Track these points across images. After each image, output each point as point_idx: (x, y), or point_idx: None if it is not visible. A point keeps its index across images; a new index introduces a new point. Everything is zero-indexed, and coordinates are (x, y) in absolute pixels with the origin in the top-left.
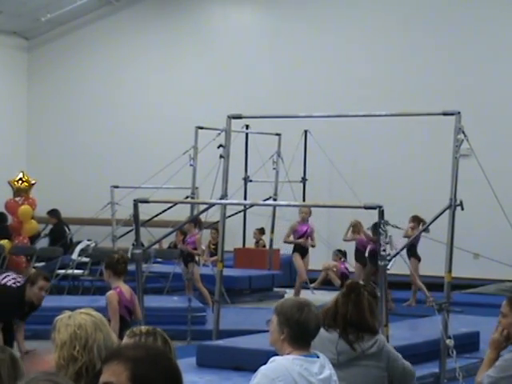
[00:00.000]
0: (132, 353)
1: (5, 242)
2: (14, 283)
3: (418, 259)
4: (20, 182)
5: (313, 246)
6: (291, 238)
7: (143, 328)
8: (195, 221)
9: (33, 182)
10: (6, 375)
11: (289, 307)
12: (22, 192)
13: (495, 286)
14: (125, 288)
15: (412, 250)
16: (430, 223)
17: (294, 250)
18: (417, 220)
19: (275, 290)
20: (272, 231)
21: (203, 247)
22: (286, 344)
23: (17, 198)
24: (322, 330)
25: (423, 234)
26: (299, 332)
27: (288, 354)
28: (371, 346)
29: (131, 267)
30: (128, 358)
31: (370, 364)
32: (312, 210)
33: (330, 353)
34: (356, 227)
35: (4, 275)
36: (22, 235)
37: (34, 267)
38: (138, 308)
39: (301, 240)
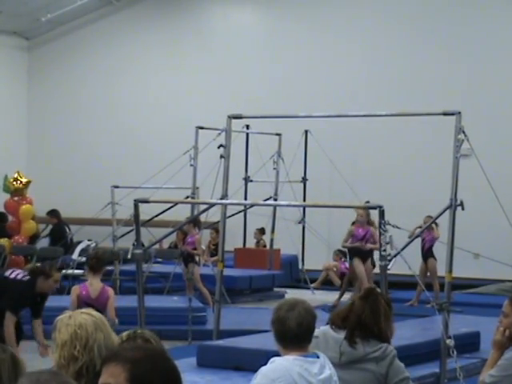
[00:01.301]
0: (130, 354)
1: (4, 240)
2: (23, 277)
3: (436, 260)
4: (17, 182)
5: (371, 250)
6: (349, 243)
7: (124, 335)
8: (194, 221)
9: (28, 180)
10: (6, 375)
11: (275, 307)
12: (18, 192)
13: (495, 286)
14: (95, 285)
15: (430, 251)
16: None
17: (354, 255)
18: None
19: (276, 290)
20: (272, 231)
21: (203, 247)
22: (278, 345)
23: (15, 198)
24: (329, 330)
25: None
26: (278, 331)
27: (286, 354)
28: (375, 350)
29: (131, 267)
30: (126, 359)
31: (370, 367)
32: (312, 210)
33: (333, 352)
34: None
35: (11, 270)
36: (21, 235)
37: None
38: (110, 309)
39: (357, 244)
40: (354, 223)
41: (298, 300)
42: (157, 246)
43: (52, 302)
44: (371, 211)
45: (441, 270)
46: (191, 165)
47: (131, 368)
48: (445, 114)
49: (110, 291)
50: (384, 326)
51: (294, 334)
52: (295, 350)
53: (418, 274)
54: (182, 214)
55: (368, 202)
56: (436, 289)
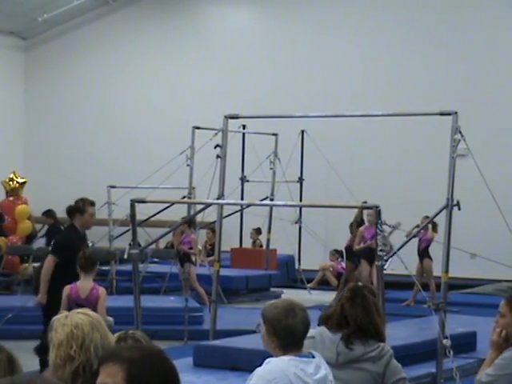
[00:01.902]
0: (127, 354)
1: (1, 239)
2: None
3: (431, 260)
4: (13, 182)
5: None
6: (360, 245)
7: (115, 336)
8: (190, 221)
9: (23, 181)
10: (2, 375)
11: (274, 315)
12: (14, 192)
13: (492, 285)
14: (85, 285)
15: (426, 251)
16: (428, 223)
17: (361, 257)
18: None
19: (272, 289)
20: (269, 231)
21: (200, 247)
22: (277, 350)
23: (10, 198)
24: (324, 330)
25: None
26: (287, 339)
27: (281, 355)
28: (372, 350)
29: (128, 267)
30: (123, 358)
31: (367, 367)
32: (309, 209)
33: (330, 352)
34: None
35: None
36: (16, 235)
37: (34, 267)
38: (101, 309)
39: (368, 243)
40: (352, 224)
41: (290, 303)
42: (153, 246)
43: None
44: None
45: (437, 270)
46: (188, 165)
47: (128, 368)
48: (441, 114)
49: (101, 291)
50: (378, 321)
51: (301, 338)
52: (294, 351)
53: (414, 274)
54: (178, 213)
55: (365, 202)
56: (432, 289)
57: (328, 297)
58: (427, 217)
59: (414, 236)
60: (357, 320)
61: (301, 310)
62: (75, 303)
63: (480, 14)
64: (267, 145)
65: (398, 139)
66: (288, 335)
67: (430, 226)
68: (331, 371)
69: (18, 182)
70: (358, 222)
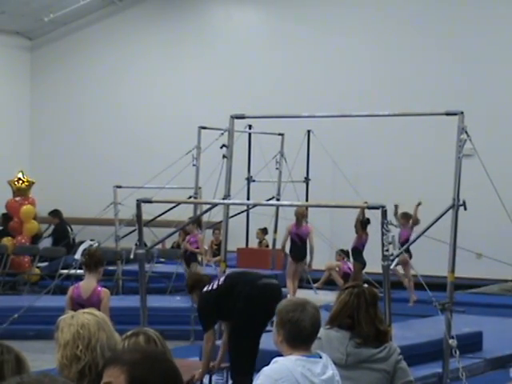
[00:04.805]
0: (129, 356)
1: (8, 239)
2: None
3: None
4: (20, 181)
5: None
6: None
7: (129, 333)
8: (196, 221)
9: (32, 181)
10: (9, 376)
11: (284, 307)
12: (21, 192)
13: (498, 285)
14: (88, 285)
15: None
16: (433, 223)
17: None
18: (406, 217)
19: None
20: (275, 231)
21: (206, 247)
22: (284, 345)
23: (17, 198)
24: (330, 330)
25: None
26: (292, 332)
27: (289, 354)
28: (380, 351)
29: (134, 267)
30: (125, 361)
31: (377, 367)
32: (315, 209)
33: (338, 353)
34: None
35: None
36: (22, 235)
37: (38, 267)
38: (104, 312)
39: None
40: (355, 224)
41: (303, 299)
42: (159, 246)
43: (54, 301)
44: (374, 211)
45: (443, 270)
46: (194, 165)
47: (129, 369)
48: (447, 114)
49: (104, 293)
50: (381, 324)
51: (307, 334)
52: (302, 350)
53: (420, 274)
54: (184, 213)
55: (366, 202)
56: (410, 284)
57: (334, 297)
58: (405, 213)
59: (419, 236)
60: (361, 323)
61: (312, 308)
62: (77, 303)
63: (487, 13)
64: (273, 145)
65: (404, 139)
66: (293, 327)
67: (410, 221)
68: (340, 371)
69: (23, 182)
70: (361, 222)
